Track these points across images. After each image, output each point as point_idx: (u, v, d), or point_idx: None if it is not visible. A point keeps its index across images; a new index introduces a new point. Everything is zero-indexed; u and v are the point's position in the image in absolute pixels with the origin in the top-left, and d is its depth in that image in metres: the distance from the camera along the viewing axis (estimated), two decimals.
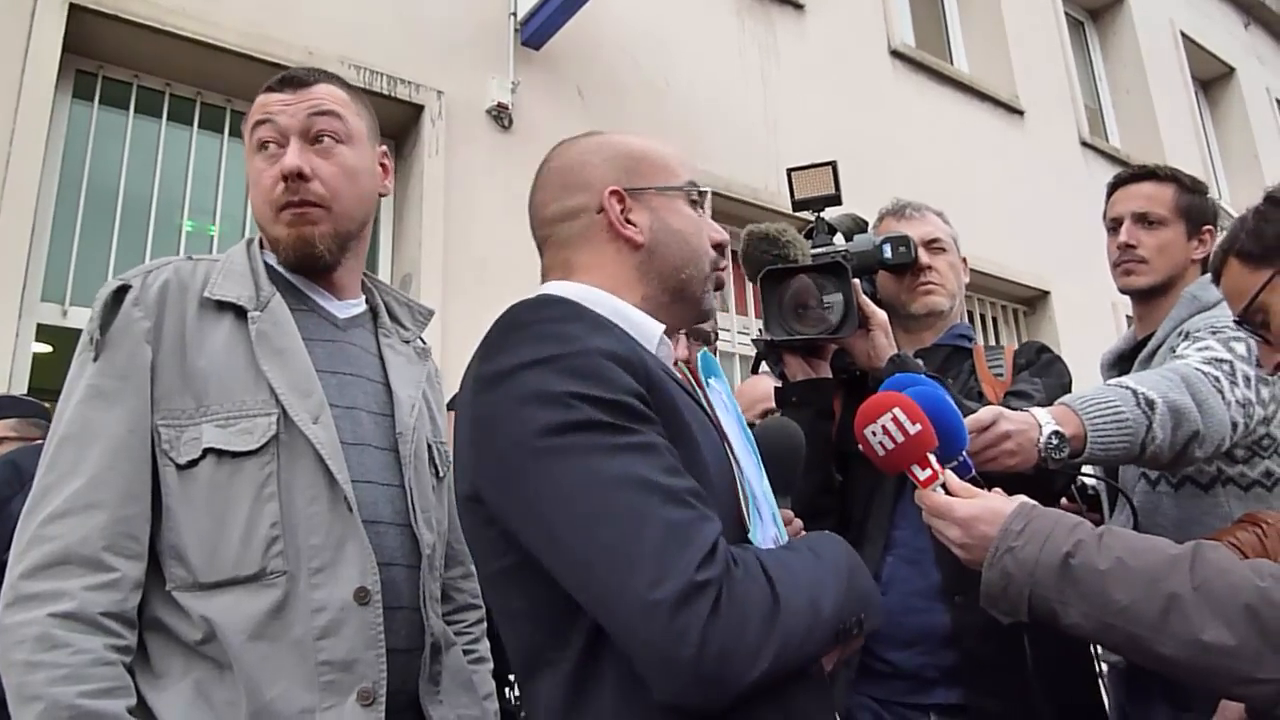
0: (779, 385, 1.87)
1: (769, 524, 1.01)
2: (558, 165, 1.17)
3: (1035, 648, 1.52)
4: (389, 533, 1.22)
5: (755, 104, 5.11)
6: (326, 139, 1.30)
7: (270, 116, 1.29)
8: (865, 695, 1.68)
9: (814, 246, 1.80)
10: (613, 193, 1.11)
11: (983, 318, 6.22)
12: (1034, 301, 6.45)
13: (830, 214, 1.87)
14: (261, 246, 1.34)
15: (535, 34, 4.26)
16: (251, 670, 1.08)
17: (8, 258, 3.02)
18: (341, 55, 3.72)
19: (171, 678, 1.09)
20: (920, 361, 1.82)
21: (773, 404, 1.81)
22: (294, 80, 1.32)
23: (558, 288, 1.09)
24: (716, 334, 2.25)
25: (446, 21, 4.16)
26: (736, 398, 1.23)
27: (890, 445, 1.15)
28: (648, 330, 1.08)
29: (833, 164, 1.82)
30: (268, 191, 1.28)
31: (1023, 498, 1.13)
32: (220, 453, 1.14)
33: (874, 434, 1.16)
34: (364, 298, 1.41)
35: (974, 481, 1.20)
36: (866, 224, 1.96)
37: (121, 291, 1.19)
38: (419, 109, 3.98)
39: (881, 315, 1.68)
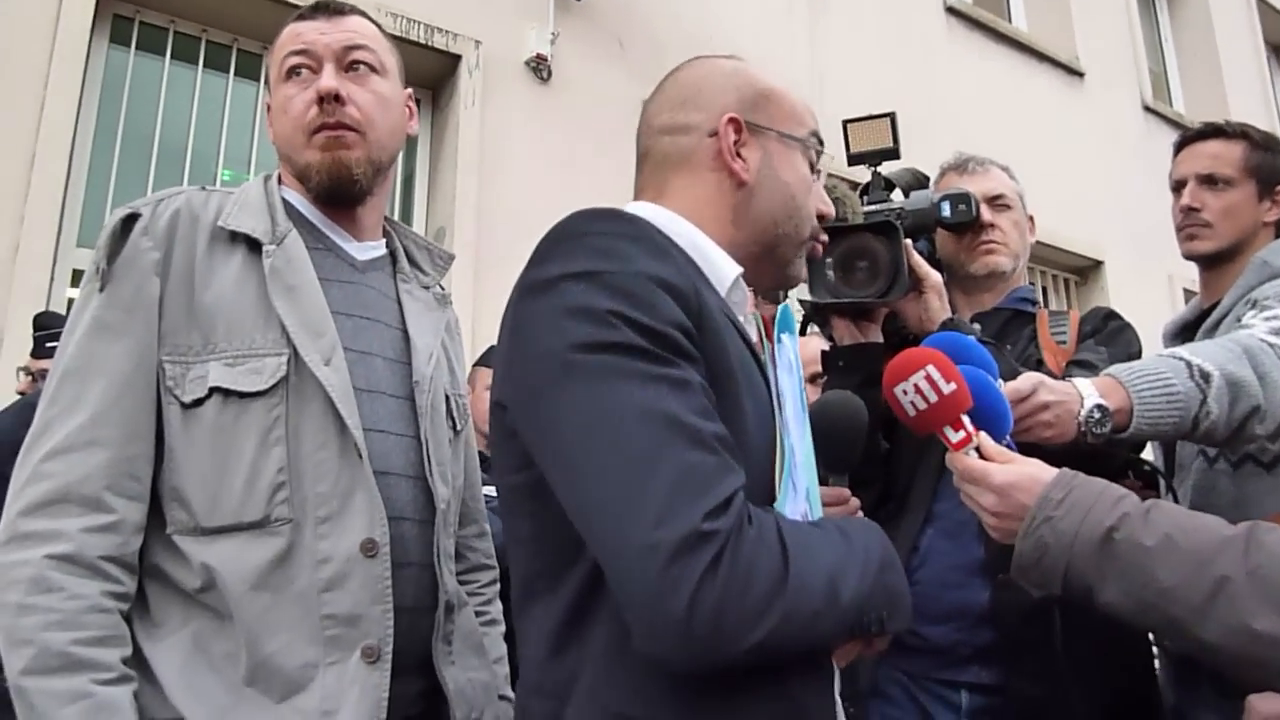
0: (825, 349, 1.80)
1: (800, 497, 0.94)
2: (683, 77, 1.10)
3: (1079, 631, 1.45)
4: (401, 485, 1.17)
5: (801, 59, 4.95)
6: (362, 67, 1.25)
7: (304, 44, 1.24)
8: (896, 670, 1.62)
9: (869, 203, 1.72)
10: (731, 120, 1.03)
11: (1031, 287, 6.04)
12: (1086, 271, 6.26)
13: (889, 169, 1.78)
14: (280, 184, 1.28)
15: None
16: (252, 622, 1.03)
17: (44, 202, 3.01)
18: (379, 2, 3.65)
19: (169, 628, 1.05)
20: (977, 326, 1.73)
21: (820, 368, 1.74)
22: (328, 8, 1.28)
23: (639, 208, 1.02)
24: (786, 294, 2.16)
25: None
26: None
27: (922, 405, 1.07)
28: (722, 270, 1.00)
29: (891, 115, 1.72)
30: (299, 116, 1.22)
31: (1067, 469, 1.04)
32: (227, 392, 1.08)
33: (904, 393, 1.07)
34: (384, 241, 1.35)
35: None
36: (928, 179, 1.86)
37: (130, 220, 1.13)
38: (456, 59, 3.91)
39: (935, 277, 1.60)
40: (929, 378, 1.05)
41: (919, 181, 1.84)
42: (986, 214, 1.78)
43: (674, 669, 0.78)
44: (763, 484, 0.89)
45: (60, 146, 3.08)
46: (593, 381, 0.79)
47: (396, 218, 1.46)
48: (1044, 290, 6.13)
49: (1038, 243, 5.90)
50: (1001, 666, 1.52)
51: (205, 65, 3.64)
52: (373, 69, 1.26)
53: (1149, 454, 1.93)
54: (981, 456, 1.07)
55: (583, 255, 0.85)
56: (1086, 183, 6.10)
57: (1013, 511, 1.03)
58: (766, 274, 1.09)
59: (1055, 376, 1.42)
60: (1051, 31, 6.55)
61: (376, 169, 1.26)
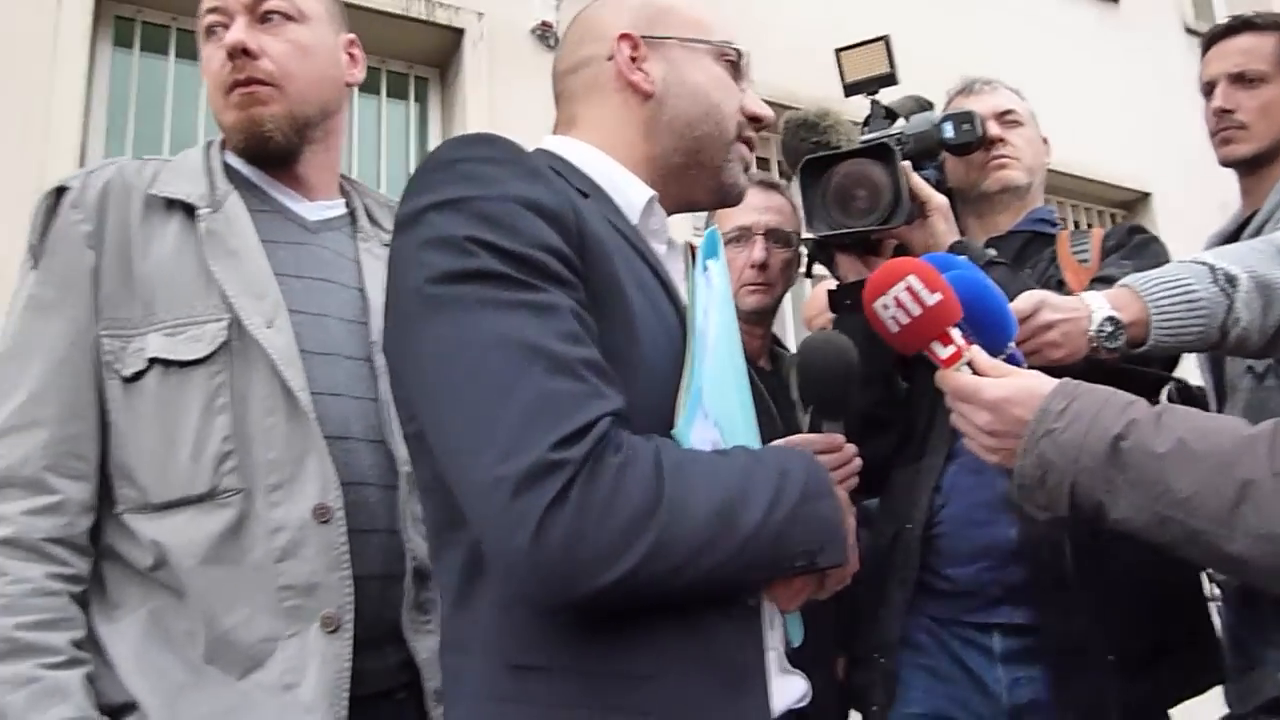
0: (830, 289, 1.72)
1: (709, 424, 0.85)
2: (579, 18, 1.08)
3: (1113, 560, 1.35)
4: (359, 450, 1.11)
5: (817, 6, 4.79)
6: (276, 16, 1.19)
7: (216, 0, 1.18)
8: (924, 616, 1.53)
9: (869, 133, 1.62)
10: (623, 36, 1.00)
11: (1075, 225, 5.81)
12: (1133, 205, 5.99)
13: (891, 99, 1.68)
14: (224, 147, 1.22)
15: None
16: (207, 597, 0.99)
17: None
18: None
19: (127, 608, 1.02)
20: (992, 250, 1.63)
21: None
22: None
23: (548, 142, 1.02)
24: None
25: None
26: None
27: (905, 319, 0.97)
28: (630, 195, 0.97)
29: (885, 39, 1.62)
30: (216, 75, 1.18)
31: (1069, 379, 0.94)
32: (166, 363, 1.04)
33: (885, 307, 0.98)
34: (343, 201, 1.29)
35: None
36: (931, 105, 1.76)
37: (60, 193, 1.09)
38: (459, 33, 3.84)
39: (940, 199, 1.50)
40: (910, 289, 0.96)
41: (921, 108, 1.74)
42: (995, 129, 1.68)
43: (540, 608, 0.75)
44: (664, 410, 0.83)
45: (69, 153, 3.08)
46: (451, 313, 0.76)
47: None
48: (1089, 227, 5.90)
49: (1080, 177, 5.67)
50: (1034, 605, 1.43)
51: None
52: (288, 16, 1.19)
53: (1198, 377, 1.81)
54: (975, 373, 0.98)
55: (449, 183, 0.82)
56: (1128, 113, 5.83)
57: (1009, 429, 0.94)
58: (700, 185, 1.04)
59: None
60: None
61: (299, 126, 1.20)
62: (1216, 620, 1.57)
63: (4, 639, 0.93)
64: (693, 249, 1.04)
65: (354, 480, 1.08)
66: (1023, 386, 0.95)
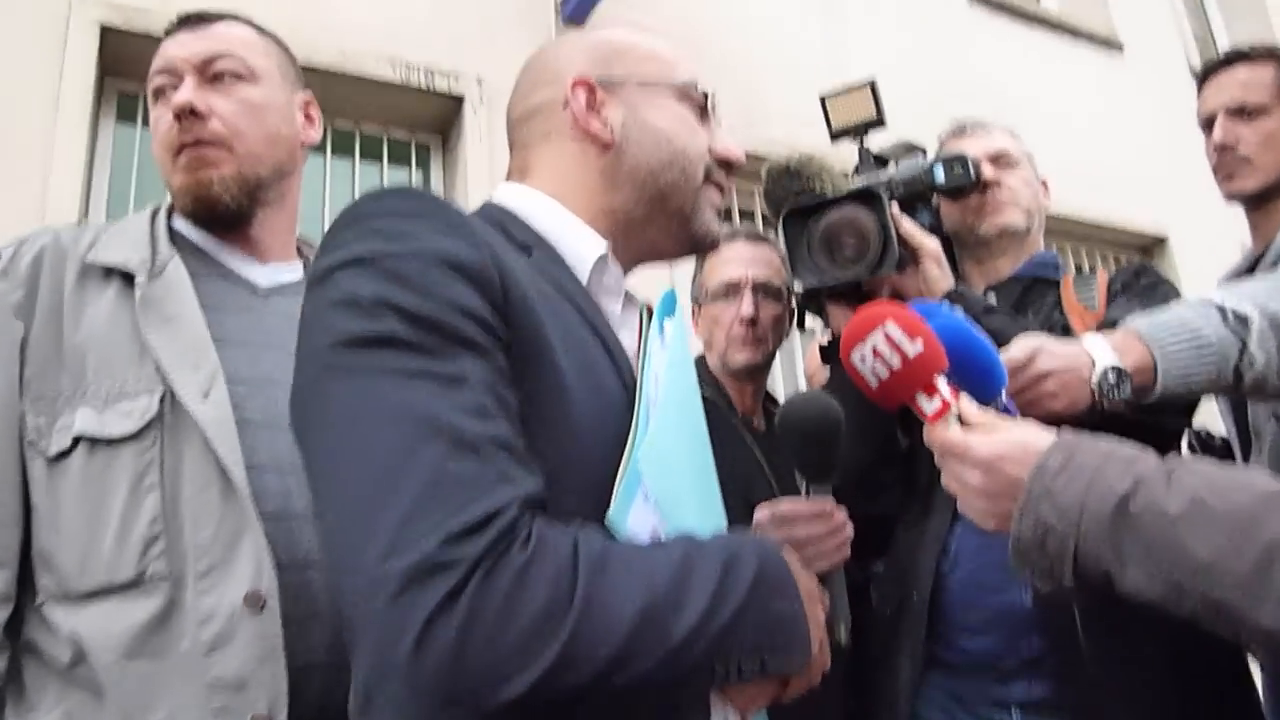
0: (822, 345, 1.64)
1: (649, 507, 0.76)
2: (530, 64, 1.02)
3: (1141, 627, 1.24)
4: (303, 529, 1.03)
5: (821, 67, 4.79)
6: (227, 77, 1.16)
7: (164, 61, 1.16)
8: (937, 690, 1.41)
9: (859, 179, 1.56)
10: (579, 82, 0.93)
11: (1090, 269, 5.72)
12: (1150, 249, 5.90)
13: (882, 145, 1.63)
14: (172, 213, 1.18)
15: (577, 8, 4.07)
16: (128, 696, 0.91)
17: None
18: (377, 52, 3.61)
19: (43, 709, 0.94)
20: (988, 297, 1.55)
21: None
22: (191, 19, 1.19)
23: (500, 191, 0.95)
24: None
25: (482, 4, 4.03)
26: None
27: (884, 373, 0.89)
28: (581, 250, 0.89)
29: (871, 83, 1.59)
30: (164, 137, 1.14)
31: (1068, 432, 0.85)
32: (93, 440, 0.98)
33: (863, 360, 0.89)
34: (300, 264, 1.24)
35: None
36: (923, 150, 1.70)
37: None
38: (459, 100, 3.84)
39: (932, 244, 1.43)
40: (889, 338, 0.88)
41: (913, 152, 1.69)
42: (990, 171, 1.61)
43: None
44: (601, 490, 0.74)
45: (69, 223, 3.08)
46: (349, 381, 0.68)
47: None
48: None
49: (1094, 224, 5.60)
50: (1054, 679, 1.32)
51: None
52: (239, 76, 1.16)
53: (1221, 425, 1.70)
54: (965, 428, 0.89)
55: (360, 239, 0.74)
56: (1140, 157, 5.78)
57: (1003, 489, 0.84)
58: (669, 234, 0.96)
59: None
60: (1083, 6, 6.27)
61: (250, 187, 1.16)
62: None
63: None
64: (649, 309, 0.97)
65: (297, 561, 1.00)
66: (1017, 442, 0.85)
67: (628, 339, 0.90)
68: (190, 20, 1.18)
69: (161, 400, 0.99)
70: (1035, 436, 0.85)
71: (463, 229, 0.75)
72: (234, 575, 0.96)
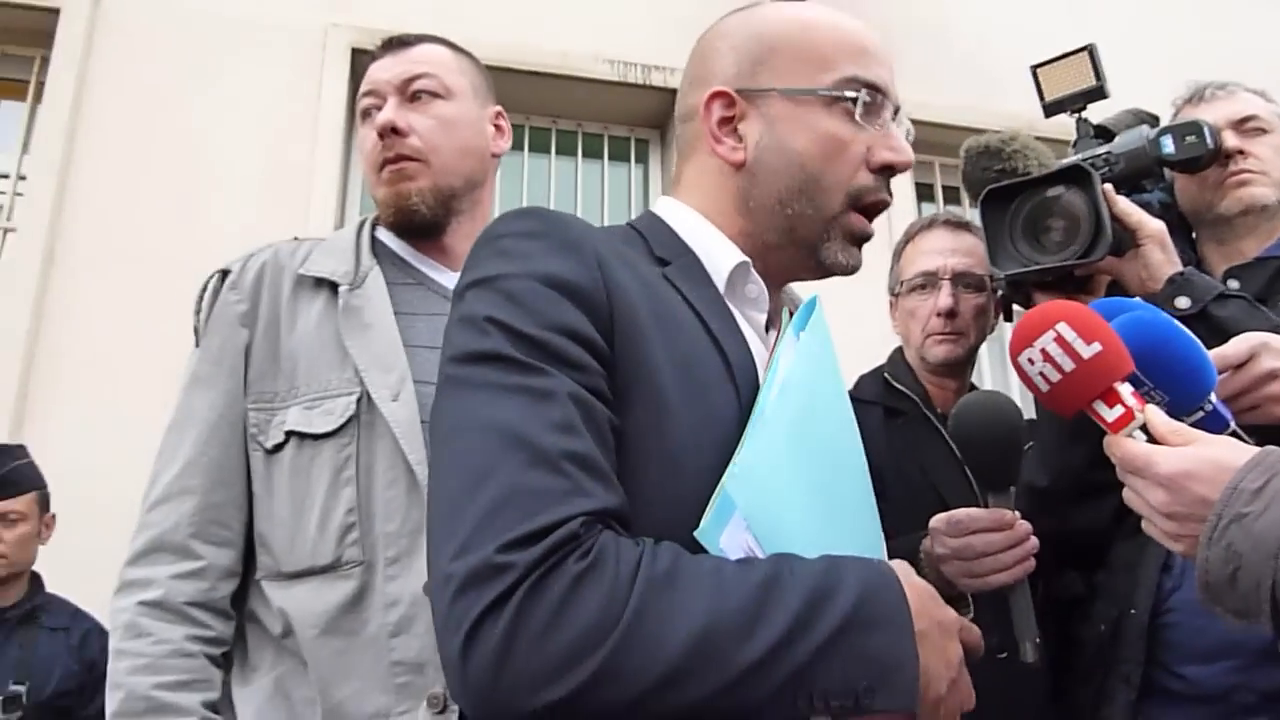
0: None
1: (740, 528, 0.72)
2: (694, 51, 0.97)
3: None
4: None
5: (1063, 38, 4.43)
6: (424, 95, 1.25)
7: (370, 84, 1.27)
8: None
9: (1076, 155, 1.44)
10: (716, 95, 0.89)
11: None
12: None
13: (1104, 116, 1.49)
14: (378, 224, 1.29)
15: None
16: (323, 667, 1.02)
17: None
18: (594, 51, 3.74)
19: (260, 672, 1.07)
20: (1234, 283, 1.38)
21: None
22: (393, 43, 1.30)
23: (658, 202, 0.95)
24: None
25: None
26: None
27: (1055, 376, 0.81)
28: (719, 263, 0.87)
29: (1089, 48, 1.46)
30: (369, 154, 1.25)
31: (1271, 448, 0.74)
32: (301, 436, 1.10)
33: (1030, 362, 0.82)
34: None
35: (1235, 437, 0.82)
36: (1155, 118, 1.54)
37: (223, 276, 1.20)
38: (674, 94, 3.89)
39: (1155, 225, 1.29)
40: (1061, 339, 0.80)
41: (1142, 121, 1.52)
42: (1233, 140, 1.44)
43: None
44: (698, 510, 0.71)
45: (328, 230, 3.42)
46: (459, 394, 0.73)
47: None
48: None
49: None
50: None
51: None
52: (435, 94, 1.25)
53: None
54: (1150, 439, 0.80)
55: (486, 260, 0.78)
56: None
57: (1191, 510, 0.75)
58: (800, 263, 0.91)
59: None
60: None
61: (445, 196, 1.24)
62: None
63: (143, 697, 1.00)
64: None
65: None
66: (1208, 458, 0.75)
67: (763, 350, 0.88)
68: (393, 44, 1.29)
69: (359, 401, 1.09)
70: (1230, 452, 0.75)
71: (575, 249, 0.77)
72: (416, 565, 1.04)
